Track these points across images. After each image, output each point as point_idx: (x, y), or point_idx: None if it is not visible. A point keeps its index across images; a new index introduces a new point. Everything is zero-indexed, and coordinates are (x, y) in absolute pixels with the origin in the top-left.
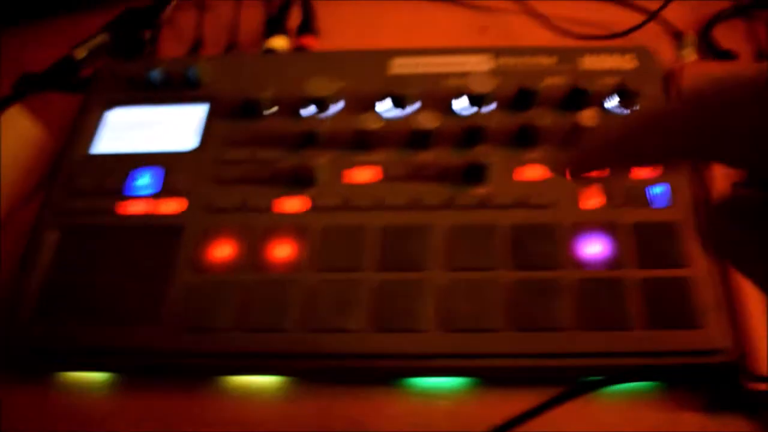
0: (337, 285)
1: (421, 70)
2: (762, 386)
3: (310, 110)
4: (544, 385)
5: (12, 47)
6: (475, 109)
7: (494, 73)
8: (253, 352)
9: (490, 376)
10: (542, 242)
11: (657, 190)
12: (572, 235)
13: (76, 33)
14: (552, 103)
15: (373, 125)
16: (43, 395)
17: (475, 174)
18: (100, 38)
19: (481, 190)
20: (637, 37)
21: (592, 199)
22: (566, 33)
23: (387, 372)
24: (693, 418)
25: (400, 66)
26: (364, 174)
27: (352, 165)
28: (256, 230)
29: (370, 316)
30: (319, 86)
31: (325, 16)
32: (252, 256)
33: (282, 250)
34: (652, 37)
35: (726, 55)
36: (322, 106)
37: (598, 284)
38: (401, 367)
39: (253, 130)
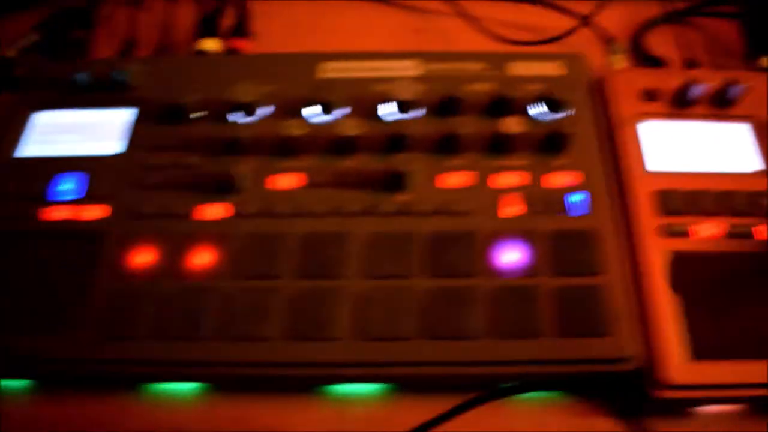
0: (254, 293)
1: (349, 74)
2: (669, 393)
3: (237, 115)
4: (460, 392)
5: None
6: (401, 115)
7: (422, 78)
8: (170, 360)
9: (404, 383)
10: (460, 250)
11: (575, 198)
12: (490, 243)
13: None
14: (477, 109)
15: (297, 131)
16: None
17: (396, 181)
18: (31, 37)
19: (402, 198)
20: (572, 43)
21: (512, 207)
22: (500, 37)
23: (302, 380)
24: (602, 425)
25: (330, 70)
26: (287, 180)
27: (275, 171)
28: (177, 237)
29: (285, 325)
30: (245, 91)
31: (260, 17)
32: (172, 264)
33: (202, 258)
34: (587, 42)
35: (656, 62)
36: (249, 110)
37: (512, 292)
38: (316, 375)
39: (178, 135)
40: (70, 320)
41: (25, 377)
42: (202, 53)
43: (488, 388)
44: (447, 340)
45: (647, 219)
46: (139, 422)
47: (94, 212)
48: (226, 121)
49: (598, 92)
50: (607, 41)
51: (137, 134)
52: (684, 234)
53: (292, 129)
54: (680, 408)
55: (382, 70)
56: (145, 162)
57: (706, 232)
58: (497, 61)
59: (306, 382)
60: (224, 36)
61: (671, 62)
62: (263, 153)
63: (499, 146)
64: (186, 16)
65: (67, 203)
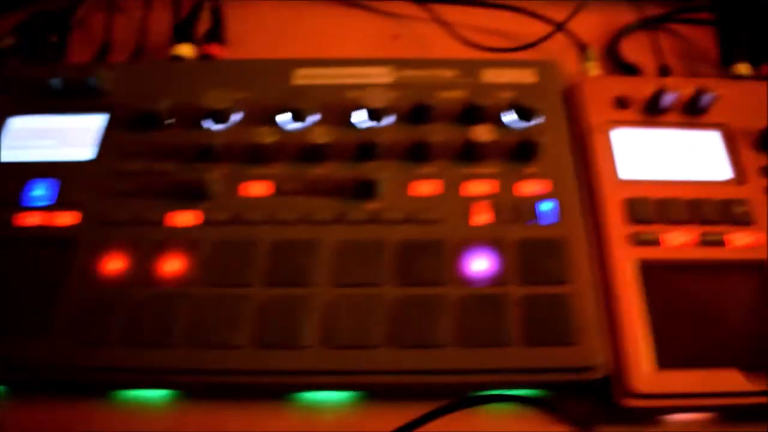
0: (224, 300)
1: (323, 81)
2: (636, 402)
3: (210, 122)
4: (430, 399)
5: None
6: (372, 122)
7: (394, 85)
8: (140, 367)
9: (374, 391)
10: (429, 258)
11: (545, 206)
12: (459, 252)
13: None
14: (449, 117)
15: (268, 138)
16: None
17: (366, 189)
18: (6, 40)
19: (372, 206)
20: (548, 49)
21: (482, 215)
22: (475, 44)
23: (271, 388)
24: None
25: (304, 77)
26: (258, 188)
27: (246, 178)
28: (148, 244)
29: (255, 332)
30: (217, 97)
31: (237, 22)
32: (143, 271)
33: (173, 265)
34: (563, 49)
35: (631, 69)
36: (221, 117)
37: (480, 301)
38: (285, 383)
39: (150, 142)
40: (42, 326)
41: None
42: (177, 59)
43: (457, 396)
44: (415, 348)
45: (617, 227)
46: (109, 429)
47: (66, 219)
48: (199, 127)
49: (571, 99)
50: (582, 48)
51: (109, 140)
52: (654, 242)
53: (264, 136)
54: (648, 417)
55: (355, 77)
56: (116, 168)
57: (677, 240)
58: (470, 68)
59: (276, 390)
60: (199, 42)
61: (646, 69)
62: (235, 160)
63: (470, 154)
64: (162, 21)
65: (40, 209)
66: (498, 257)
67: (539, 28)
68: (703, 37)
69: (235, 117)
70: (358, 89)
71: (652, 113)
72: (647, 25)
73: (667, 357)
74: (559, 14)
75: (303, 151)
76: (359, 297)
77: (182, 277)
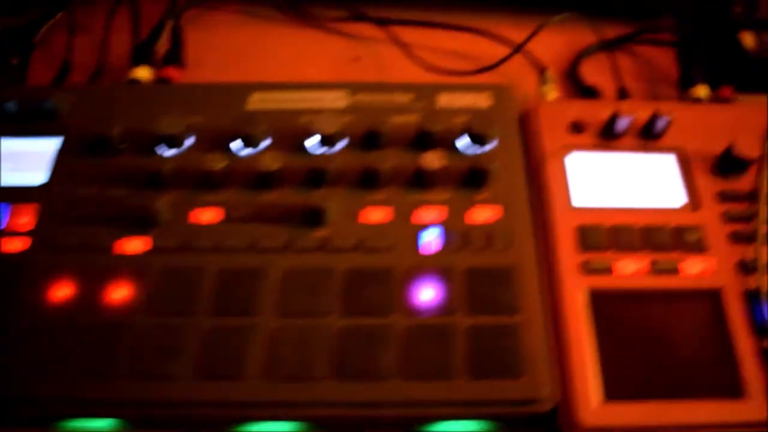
0: (168, 330)
1: (278, 105)
2: None
3: (163, 147)
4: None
5: None
6: (324, 148)
7: (349, 110)
8: (83, 398)
9: (317, 423)
10: (376, 287)
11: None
12: (407, 281)
13: None
14: (402, 142)
15: (218, 165)
16: None
17: (315, 216)
18: None
19: (321, 233)
20: (508, 72)
21: (432, 243)
22: (435, 66)
23: (213, 419)
24: None
25: (259, 101)
26: (207, 215)
27: (196, 205)
28: (96, 271)
29: (198, 363)
30: (170, 123)
31: (197, 44)
32: (89, 298)
33: (119, 293)
34: (523, 71)
35: (590, 92)
36: (174, 142)
37: (426, 331)
38: (227, 415)
39: (102, 167)
40: None
41: None
42: (134, 82)
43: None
44: (359, 380)
45: (568, 255)
46: None
47: (15, 245)
48: (152, 153)
49: (527, 124)
50: (540, 71)
51: (61, 165)
52: (606, 271)
53: (215, 162)
54: None
55: (310, 101)
56: (67, 194)
57: (629, 268)
58: (426, 92)
59: (219, 422)
60: (158, 64)
61: (606, 91)
62: (185, 186)
63: (421, 181)
64: (124, 42)
65: None
66: (446, 286)
67: (500, 50)
68: (664, 59)
69: (189, 142)
70: (311, 114)
71: (608, 137)
72: (608, 46)
73: (616, 389)
74: (520, 36)
75: (253, 177)
76: (304, 327)
77: (128, 305)
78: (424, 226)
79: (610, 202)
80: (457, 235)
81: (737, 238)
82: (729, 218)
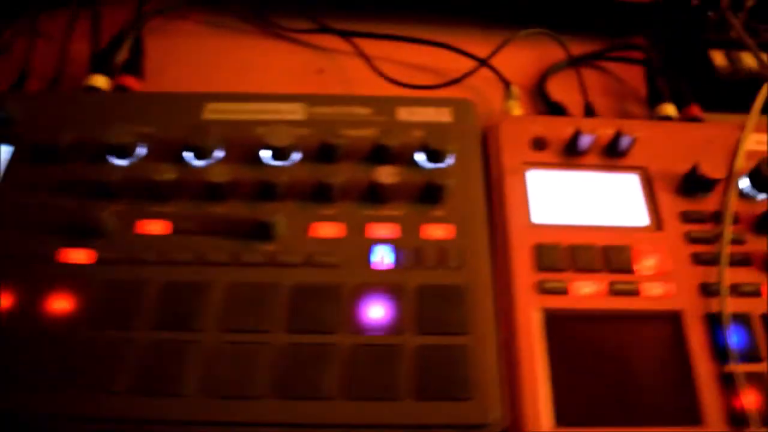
0: (107, 343)
1: (233, 116)
2: None
3: (113, 157)
4: None
5: None
6: (277, 161)
7: (306, 123)
8: (15, 410)
9: None
10: (323, 304)
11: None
12: (356, 298)
13: None
14: (357, 156)
15: (167, 175)
16: None
17: (263, 230)
18: None
19: (268, 248)
20: (474, 87)
21: (383, 260)
22: (398, 80)
23: None
24: None
25: (214, 112)
26: (154, 226)
27: (144, 216)
28: (36, 281)
29: (134, 378)
30: (120, 132)
31: (160, 54)
32: (29, 309)
33: (58, 304)
34: (490, 86)
35: (557, 108)
36: (124, 152)
37: (372, 351)
38: None
39: (51, 175)
40: None
41: None
42: (91, 89)
43: None
44: (299, 400)
45: (524, 274)
46: None
47: None
48: (102, 162)
49: (489, 140)
50: (506, 86)
51: (11, 173)
52: (562, 291)
53: (164, 173)
54: None
55: (267, 113)
56: (13, 201)
57: (586, 289)
58: (385, 105)
59: None
60: (116, 72)
61: (574, 108)
62: (133, 197)
63: (375, 196)
64: (85, 50)
65: None
66: (396, 304)
67: (467, 65)
68: (634, 77)
69: (140, 152)
70: (267, 125)
71: (571, 155)
72: (577, 63)
73: (568, 414)
74: (488, 51)
75: (203, 189)
76: (246, 343)
77: (68, 317)
78: (376, 242)
79: (570, 220)
80: (409, 252)
81: (700, 260)
82: (692, 239)
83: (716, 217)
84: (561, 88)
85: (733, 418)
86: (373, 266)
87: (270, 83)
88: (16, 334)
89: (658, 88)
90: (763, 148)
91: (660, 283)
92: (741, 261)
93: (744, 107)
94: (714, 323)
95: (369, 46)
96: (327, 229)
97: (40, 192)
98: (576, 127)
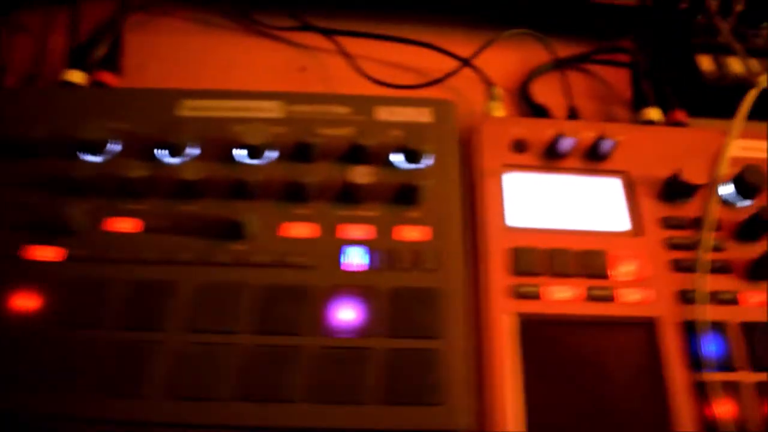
0: (72, 343)
1: (210, 113)
2: None
3: (86, 153)
4: None
5: None
6: (251, 160)
7: (283, 121)
8: None
9: None
10: (292, 306)
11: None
12: (326, 300)
13: None
14: (334, 156)
15: (139, 172)
16: None
17: (234, 230)
18: None
19: (238, 247)
20: (457, 88)
21: (356, 261)
22: (380, 79)
23: None
24: None
25: (190, 108)
26: (124, 224)
27: (114, 214)
28: (2, 278)
29: (97, 378)
30: (93, 128)
31: (140, 50)
32: None
33: (24, 302)
34: (474, 87)
35: (540, 111)
36: (96, 148)
37: (340, 354)
38: None
39: (23, 171)
40: None
41: None
42: (67, 84)
43: None
44: (265, 402)
45: (499, 278)
46: None
47: None
48: (74, 158)
49: (469, 141)
50: (489, 87)
51: None
52: (536, 296)
53: (136, 170)
54: None
55: (244, 111)
56: None
57: (562, 294)
58: (364, 105)
59: None
60: (93, 68)
61: (558, 111)
62: (104, 194)
63: (350, 196)
64: (63, 44)
65: None
66: (367, 307)
67: (450, 65)
68: (620, 80)
69: (113, 148)
70: (243, 123)
71: (552, 158)
72: (561, 65)
73: (539, 421)
74: (471, 52)
75: (175, 187)
76: (212, 344)
77: (34, 314)
78: (350, 243)
79: (548, 224)
80: (383, 253)
81: (679, 267)
82: (672, 245)
83: (697, 224)
84: (546, 91)
85: (706, 427)
86: (345, 268)
87: (252, 81)
88: None
89: (644, 92)
90: (748, 154)
91: (637, 290)
92: (721, 268)
93: (731, 113)
94: (690, 331)
95: (352, 44)
96: (300, 229)
97: (10, 187)
98: (557, 130)
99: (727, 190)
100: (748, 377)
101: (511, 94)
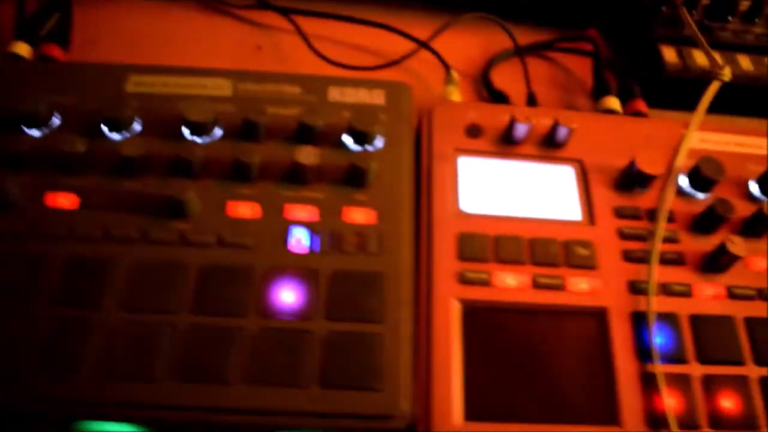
0: (4, 322)
1: (157, 90)
2: None
3: (27, 127)
4: None
5: None
6: (196, 137)
7: (230, 99)
8: None
9: (156, 426)
10: (232, 286)
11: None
12: (268, 281)
13: None
14: (282, 135)
15: (79, 147)
16: None
17: (175, 208)
18: None
19: (180, 226)
20: (418, 71)
21: (300, 242)
22: (338, 60)
23: (49, 417)
24: None
25: (137, 84)
26: (63, 200)
27: (53, 189)
28: None
29: (31, 358)
30: (37, 102)
31: (92, 25)
32: None
33: None
34: (434, 72)
35: (500, 97)
36: (36, 122)
37: (279, 336)
38: (57, 413)
39: None
40: None
41: None
42: (12, 57)
43: None
44: (200, 383)
45: (445, 263)
46: None
47: None
48: (16, 132)
49: (423, 125)
50: (447, 71)
51: None
52: (483, 282)
53: (76, 145)
54: None
55: (192, 88)
56: None
57: (510, 281)
58: (316, 85)
59: (54, 419)
60: (41, 41)
61: (518, 98)
62: (43, 169)
63: (296, 177)
64: (10, 15)
65: None
66: (309, 289)
67: (408, 48)
68: (583, 69)
69: (55, 123)
70: (190, 100)
71: (507, 144)
72: (523, 52)
73: (479, 409)
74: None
75: (116, 163)
76: (148, 324)
77: None
78: (294, 224)
79: (500, 211)
80: (328, 236)
81: (630, 257)
82: (624, 236)
83: (652, 215)
84: (507, 78)
85: (652, 419)
86: (288, 249)
87: (206, 58)
88: None
89: (604, 81)
90: (708, 146)
91: (587, 279)
92: (673, 260)
93: (693, 106)
94: (639, 322)
95: (309, 24)
96: (243, 209)
97: None
98: (510, 116)
99: (684, 182)
100: (696, 370)
101: (471, 80)
